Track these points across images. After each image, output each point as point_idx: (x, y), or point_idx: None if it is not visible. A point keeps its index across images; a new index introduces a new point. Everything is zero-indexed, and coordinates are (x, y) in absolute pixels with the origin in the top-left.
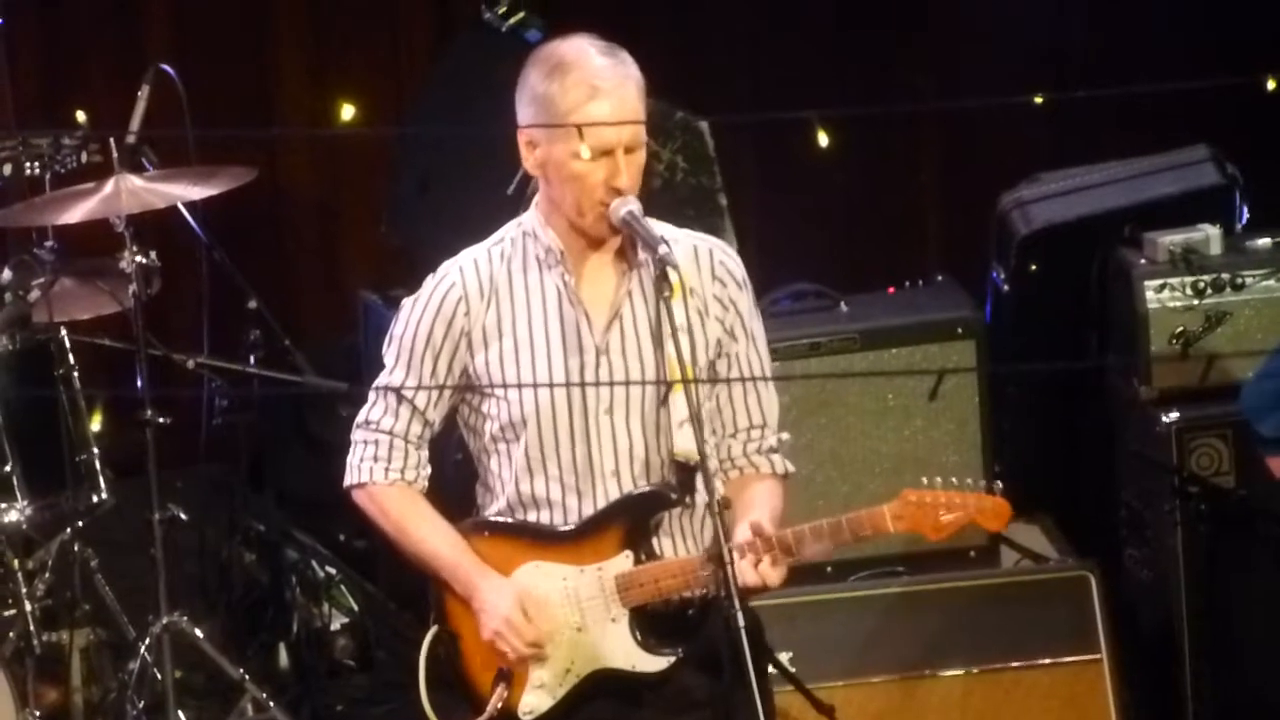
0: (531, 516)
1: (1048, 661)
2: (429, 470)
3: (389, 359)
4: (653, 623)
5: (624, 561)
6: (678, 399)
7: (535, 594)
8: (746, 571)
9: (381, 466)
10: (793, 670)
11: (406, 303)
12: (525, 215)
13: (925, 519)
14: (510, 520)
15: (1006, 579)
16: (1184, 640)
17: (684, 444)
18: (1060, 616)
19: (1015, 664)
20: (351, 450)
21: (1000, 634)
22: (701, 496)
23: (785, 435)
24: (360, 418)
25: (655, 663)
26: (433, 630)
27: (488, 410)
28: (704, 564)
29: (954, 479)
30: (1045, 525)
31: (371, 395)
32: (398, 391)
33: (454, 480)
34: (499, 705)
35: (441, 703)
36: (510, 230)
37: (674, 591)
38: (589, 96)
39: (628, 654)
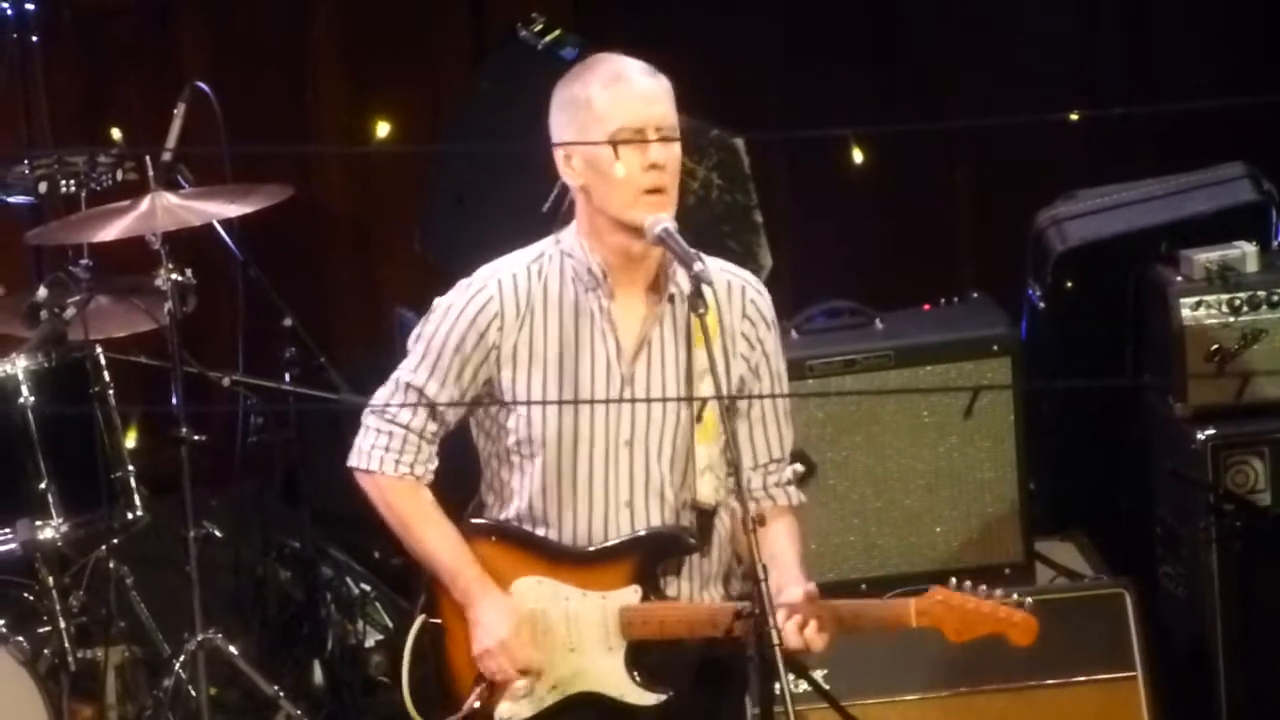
0: (540, 531)
1: (1083, 679)
2: (436, 464)
3: (414, 356)
4: (649, 660)
5: (631, 595)
6: (701, 446)
7: (533, 609)
8: (791, 634)
9: (393, 459)
10: (827, 688)
11: (440, 303)
12: (564, 233)
13: (950, 620)
14: (519, 530)
15: (1041, 596)
16: (1219, 658)
17: (705, 491)
18: (1095, 634)
19: (1050, 681)
20: (363, 433)
21: (1035, 652)
22: (717, 538)
23: (799, 467)
24: (376, 403)
25: (645, 698)
26: (419, 619)
27: (506, 423)
28: (709, 609)
29: (984, 587)
30: (1080, 543)
31: (391, 384)
32: (420, 391)
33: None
34: (476, 705)
35: (421, 693)
36: (548, 247)
37: (676, 634)
38: (612, 80)
39: (619, 684)
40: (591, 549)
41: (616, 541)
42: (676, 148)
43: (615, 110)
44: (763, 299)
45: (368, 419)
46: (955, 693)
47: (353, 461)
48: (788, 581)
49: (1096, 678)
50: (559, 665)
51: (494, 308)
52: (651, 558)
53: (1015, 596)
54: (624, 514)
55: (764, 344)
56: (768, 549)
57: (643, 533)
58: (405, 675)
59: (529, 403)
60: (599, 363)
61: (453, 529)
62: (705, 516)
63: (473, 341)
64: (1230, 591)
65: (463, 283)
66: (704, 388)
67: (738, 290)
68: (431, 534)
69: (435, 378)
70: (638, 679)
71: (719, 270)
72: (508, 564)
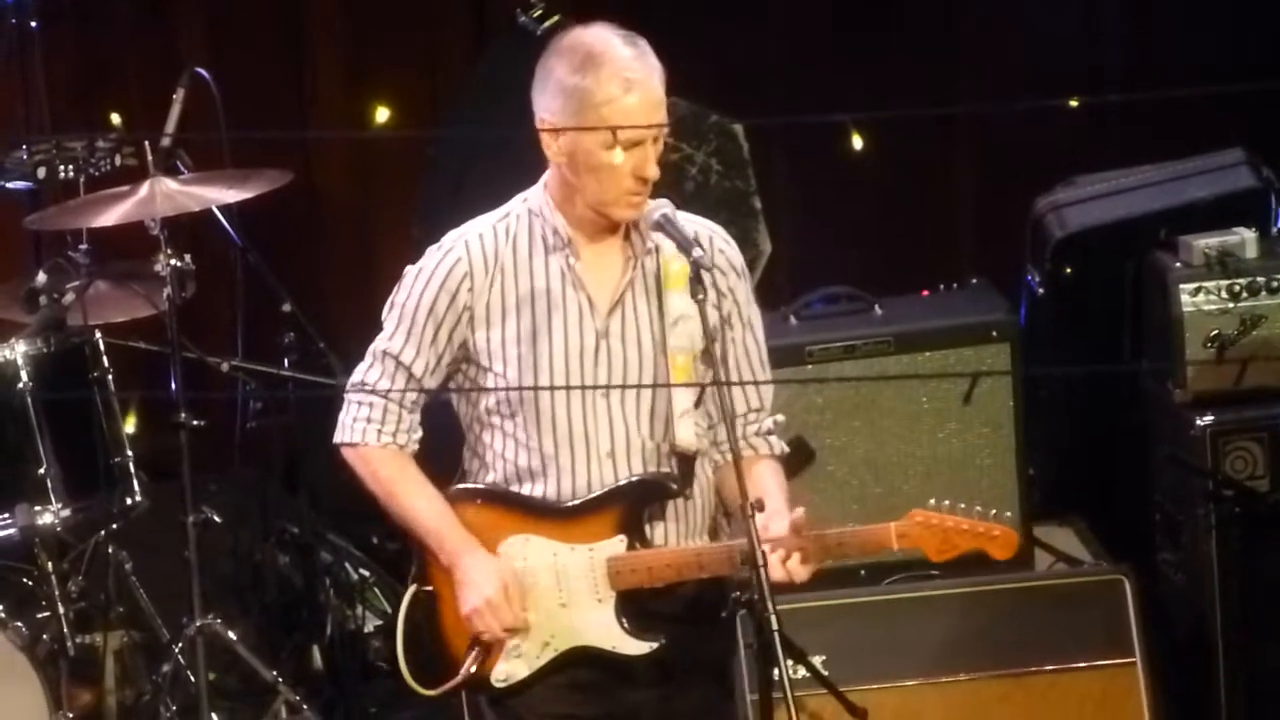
0: (524, 489)
1: (1081, 665)
2: (420, 434)
3: (389, 324)
4: (639, 608)
5: (617, 545)
6: (679, 391)
7: (521, 567)
8: (774, 567)
9: (375, 429)
10: (825, 673)
11: (410, 270)
12: (531, 193)
13: (930, 540)
14: (504, 490)
15: (1040, 582)
16: (1217, 643)
17: (685, 435)
18: (1094, 620)
19: (1049, 667)
20: (345, 408)
21: (1034, 637)
22: (700, 486)
23: (780, 418)
24: (355, 377)
25: (637, 647)
26: (411, 589)
27: (485, 383)
28: (734, 565)
29: (962, 504)
30: (1079, 529)
31: (369, 356)
32: (396, 359)
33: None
34: (472, 669)
35: (417, 662)
36: (515, 207)
37: (665, 580)
38: (624, 90)
39: (610, 635)
40: (575, 502)
41: (600, 493)
42: (662, 140)
43: (621, 120)
44: (730, 248)
45: (348, 394)
46: (954, 678)
47: (337, 437)
48: (772, 515)
49: (1095, 663)
50: (551, 622)
51: (463, 268)
52: (635, 506)
53: (993, 513)
54: (606, 465)
55: (735, 292)
56: (751, 490)
57: (624, 482)
58: (400, 644)
59: (533, 388)
60: (571, 317)
61: (437, 494)
62: (686, 462)
63: (445, 303)
64: (1229, 577)
65: (431, 248)
66: (678, 333)
67: (705, 240)
68: (415, 499)
69: (410, 343)
70: (628, 628)
71: (685, 221)
72: (494, 525)
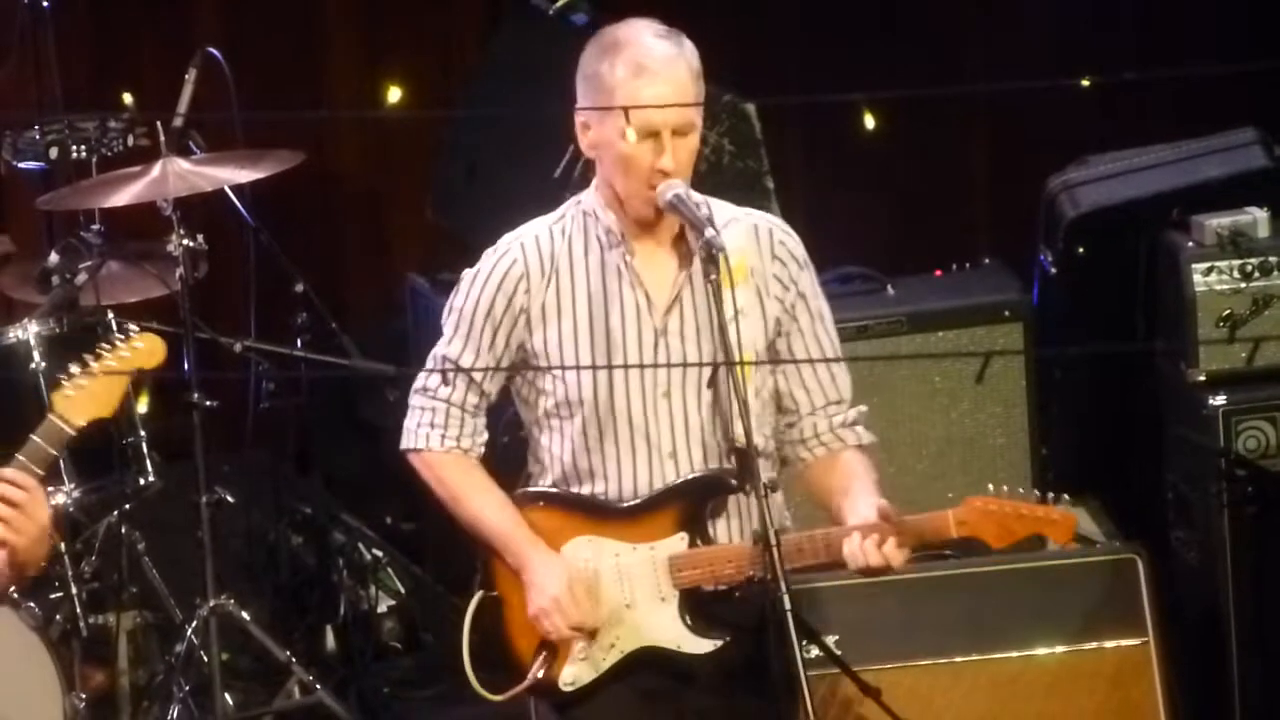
0: (585, 491)
1: (1094, 645)
2: (485, 437)
3: (448, 329)
4: (702, 606)
5: (678, 543)
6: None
7: (585, 569)
8: (871, 553)
9: (438, 434)
10: (839, 653)
11: (467, 274)
12: (585, 194)
13: (989, 527)
14: (566, 493)
15: (1053, 562)
16: (1230, 622)
17: (746, 432)
18: (1107, 599)
19: (1062, 647)
20: (409, 415)
21: (1047, 617)
22: (761, 483)
23: (864, 407)
24: (418, 384)
25: (702, 645)
26: (478, 595)
27: (543, 386)
28: (756, 549)
29: (1020, 489)
30: (1092, 508)
31: (430, 361)
32: (456, 366)
33: (502, 460)
34: (539, 674)
35: (484, 668)
36: (570, 209)
37: (727, 577)
38: (635, 74)
39: (674, 634)
40: (636, 502)
41: (658, 491)
42: (694, 137)
43: (632, 110)
44: (791, 239)
45: (412, 399)
46: (967, 658)
47: (403, 444)
48: (861, 502)
49: (1108, 643)
50: (615, 623)
51: (519, 269)
52: (695, 503)
53: (1051, 496)
54: (668, 465)
55: (798, 284)
56: (840, 481)
57: (682, 480)
58: (466, 650)
59: (563, 367)
60: (629, 315)
61: (503, 497)
62: (745, 458)
63: (502, 306)
64: (1242, 556)
65: (487, 251)
66: (740, 329)
67: (765, 233)
68: (480, 503)
69: (470, 347)
70: (692, 627)
71: (745, 215)
72: (557, 528)
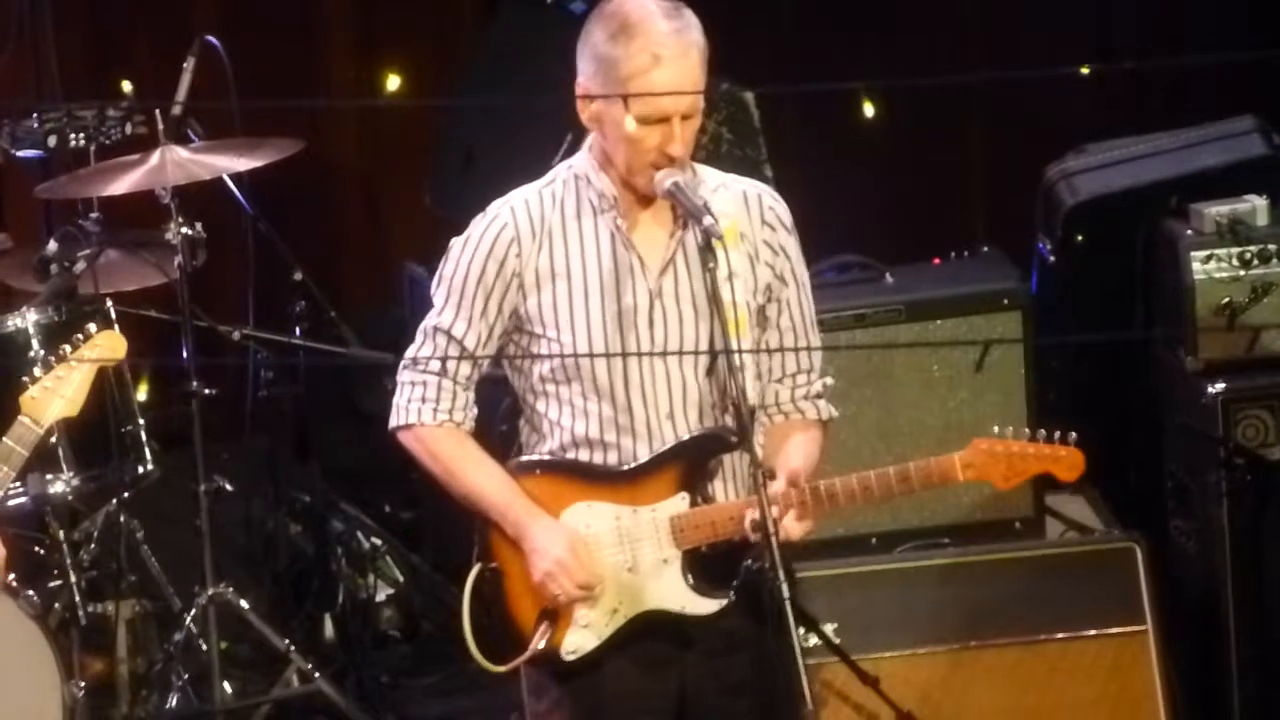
0: (584, 456)
1: (1093, 633)
2: (475, 411)
3: (438, 299)
4: (705, 565)
5: (680, 503)
6: (733, 346)
7: (586, 534)
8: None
9: (430, 408)
10: (837, 641)
11: (456, 243)
12: (576, 159)
13: (996, 467)
14: (562, 459)
15: (1052, 550)
16: (1229, 611)
17: (743, 389)
18: (1106, 588)
19: (1060, 635)
20: (398, 391)
21: (1046, 605)
22: (757, 440)
23: (829, 380)
24: (407, 357)
25: (706, 605)
26: (477, 568)
27: (539, 350)
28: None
29: (1026, 429)
30: (1091, 497)
31: (419, 335)
32: (447, 334)
33: (499, 448)
34: (542, 644)
35: (485, 640)
36: (561, 172)
37: (729, 535)
38: (652, 64)
39: (678, 596)
40: (635, 464)
41: (658, 453)
42: (699, 118)
43: (644, 93)
44: (780, 205)
45: (401, 375)
46: (965, 646)
47: (392, 421)
48: (780, 469)
49: (1107, 631)
50: (618, 588)
51: (510, 233)
52: (695, 462)
53: (1058, 435)
54: (666, 426)
55: (786, 249)
56: (776, 448)
57: (680, 440)
58: (466, 621)
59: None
60: (623, 278)
61: (497, 466)
62: (744, 416)
63: (494, 271)
64: (1241, 545)
65: (476, 218)
66: (732, 289)
67: (754, 199)
68: (475, 474)
69: (461, 316)
70: (695, 585)
71: (733, 182)
72: (556, 495)
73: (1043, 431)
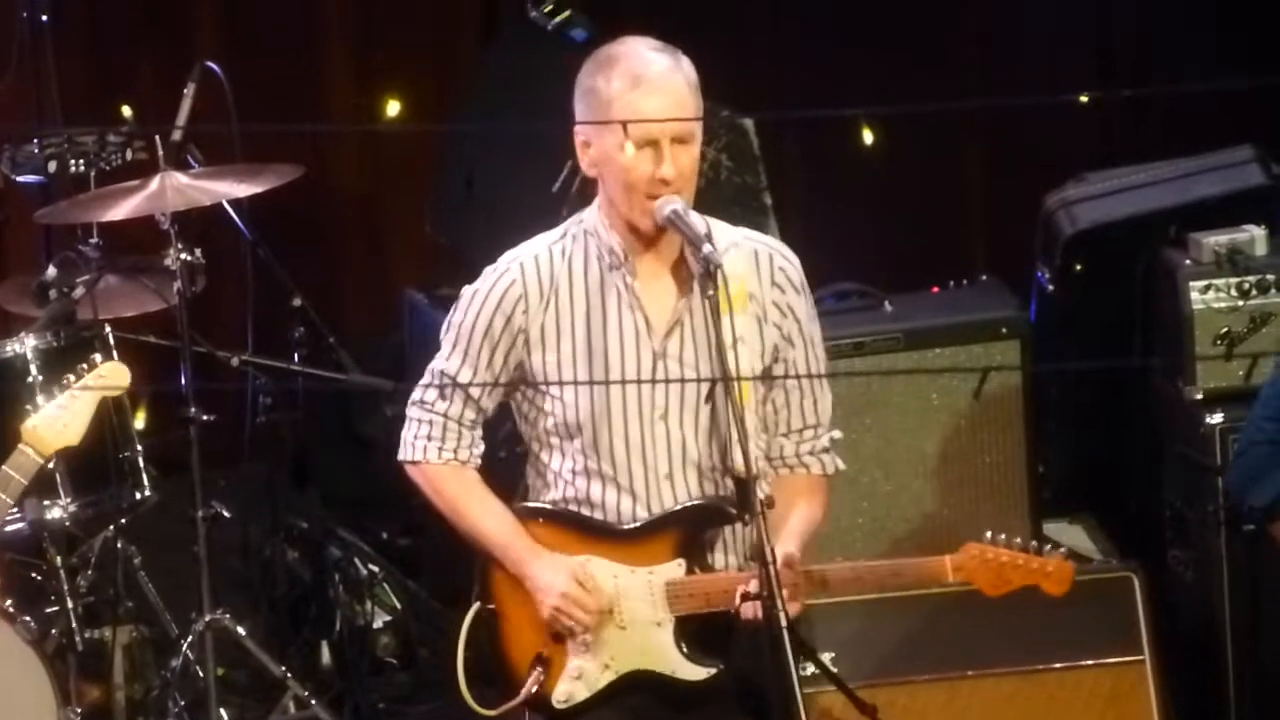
0: (585, 512)
1: (1091, 662)
2: (482, 448)
3: (446, 344)
4: (697, 633)
5: (676, 569)
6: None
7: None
8: (749, 606)
9: (435, 446)
10: (835, 670)
11: (466, 291)
12: (586, 213)
13: (985, 575)
14: (565, 510)
15: None
16: (1227, 641)
17: (741, 460)
18: (1103, 617)
19: (1058, 665)
20: (406, 426)
21: (1043, 635)
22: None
23: (837, 434)
24: (415, 395)
25: (696, 672)
26: (474, 608)
27: (543, 406)
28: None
29: (1019, 539)
30: (1089, 526)
31: (427, 374)
32: (453, 381)
33: (499, 475)
34: (534, 689)
35: (477, 682)
36: (571, 227)
37: (722, 605)
38: (631, 85)
39: (669, 659)
40: (635, 525)
41: (658, 515)
42: (694, 147)
43: (629, 117)
44: (791, 266)
45: (410, 411)
46: (963, 675)
47: (400, 455)
48: (777, 532)
49: (1104, 661)
50: (611, 644)
51: (518, 290)
52: (694, 530)
53: (1048, 547)
54: (664, 487)
55: (794, 310)
56: (782, 534)
57: (683, 506)
58: (460, 662)
59: (561, 383)
60: (628, 338)
61: (502, 507)
62: (744, 486)
63: (500, 325)
64: (1239, 575)
65: (488, 269)
66: (739, 355)
67: (765, 258)
68: (479, 512)
69: (467, 364)
70: (687, 653)
71: (745, 239)
72: (555, 545)
73: (1034, 542)
